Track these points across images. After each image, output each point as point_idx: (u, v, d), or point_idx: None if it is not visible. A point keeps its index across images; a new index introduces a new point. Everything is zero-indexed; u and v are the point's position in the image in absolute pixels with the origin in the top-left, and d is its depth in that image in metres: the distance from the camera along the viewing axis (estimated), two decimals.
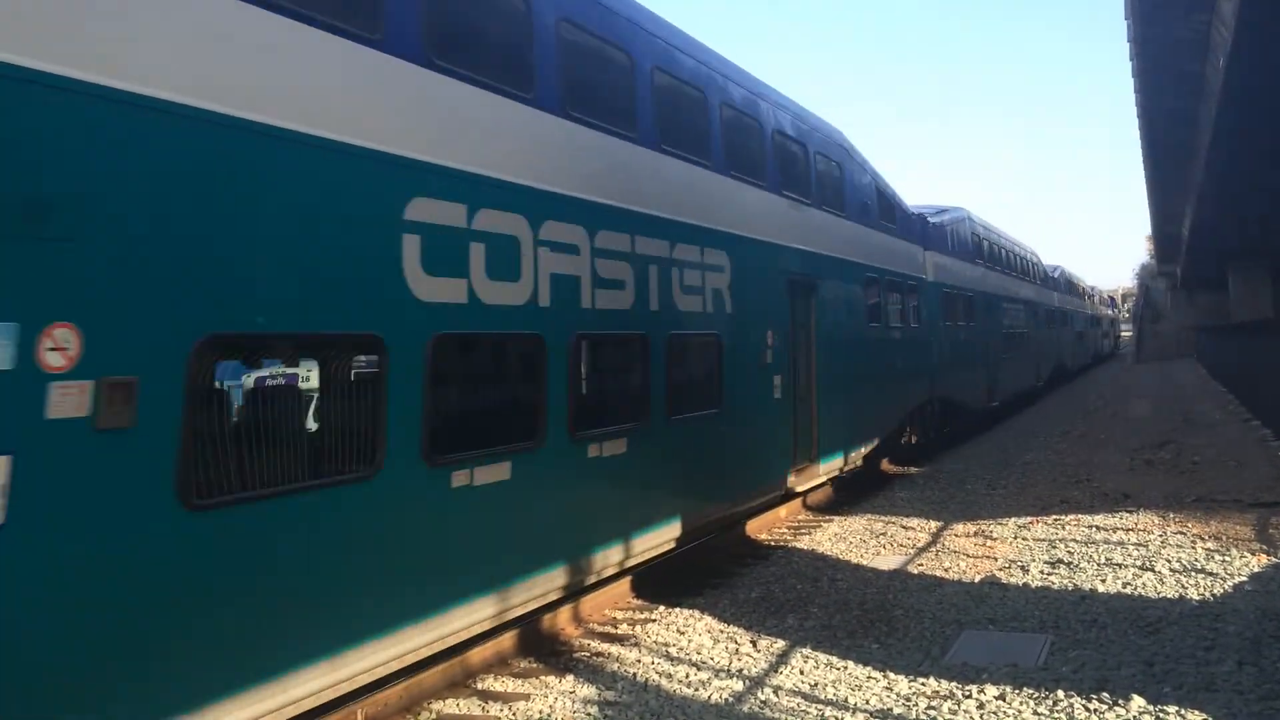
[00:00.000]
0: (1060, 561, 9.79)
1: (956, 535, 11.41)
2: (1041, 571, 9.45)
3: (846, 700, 6.41)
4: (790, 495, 12.37)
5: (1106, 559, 9.79)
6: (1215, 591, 8.47)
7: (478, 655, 7.15)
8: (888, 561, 10.31)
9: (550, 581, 7.52)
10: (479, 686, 6.92)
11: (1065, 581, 9.05)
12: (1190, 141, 25.55)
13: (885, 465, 17.08)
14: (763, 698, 6.54)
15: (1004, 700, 6.23)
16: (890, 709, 6.24)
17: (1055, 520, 11.90)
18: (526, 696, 6.68)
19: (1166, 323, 63.93)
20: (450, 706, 6.58)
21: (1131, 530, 11.11)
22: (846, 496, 14.40)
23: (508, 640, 7.47)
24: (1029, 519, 12.04)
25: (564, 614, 8.18)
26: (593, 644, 7.86)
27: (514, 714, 6.43)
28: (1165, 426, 21.96)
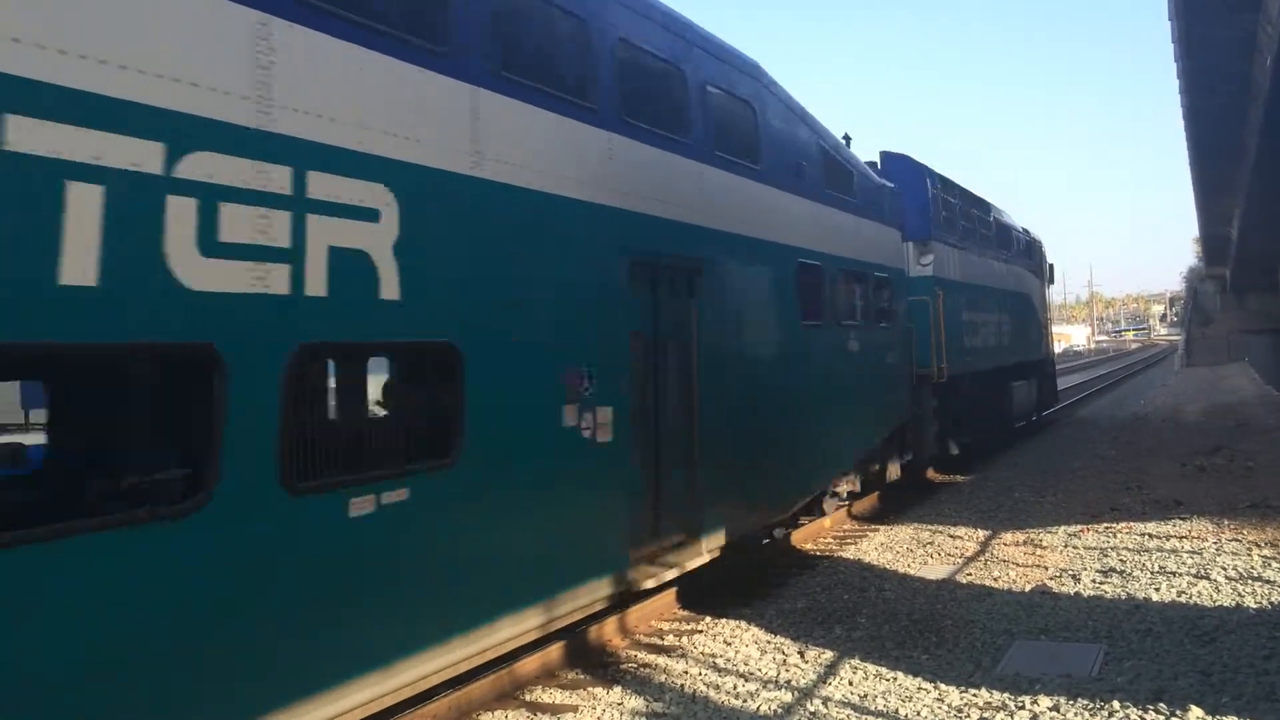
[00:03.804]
0: (1113, 570, 9.64)
1: (1005, 544, 11.27)
2: (1093, 580, 9.30)
3: (897, 712, 6.36)
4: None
5: (1160, 567, 9.62)
6: (1273, 599, 8.29)
7: (525, 666, 7.20)
8: (936, 571, 10.22)
9: None
10: (527, 698, 6.97)
11: (1118, 590, 8.91)
12: (1237, 142, 25.15)
13: (931, 474, 16.87)
14: (812, 709, 6.51)
15: (1058, 711, 6.14)
16: None
17: (1106, 528, 11.71)
18: (575, 708, 6.71)
19: (1216, 326, 62.74)
20: (499, 718, 6.63)
21: (1185, 538, 10.90)
22: (892, 506, 14.29)
23: (555, 651, 7.51)
24: (1079, 527, 11.86)
25: (610, 625, 8.20)
26: (640, 655, 7.88)
27: None
28: (1217, 432, 21.51)
